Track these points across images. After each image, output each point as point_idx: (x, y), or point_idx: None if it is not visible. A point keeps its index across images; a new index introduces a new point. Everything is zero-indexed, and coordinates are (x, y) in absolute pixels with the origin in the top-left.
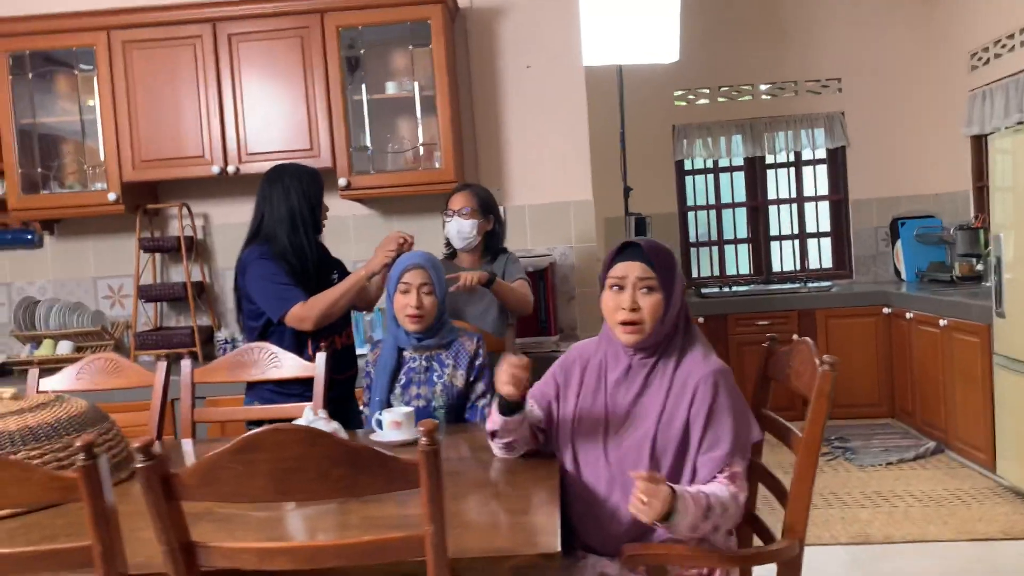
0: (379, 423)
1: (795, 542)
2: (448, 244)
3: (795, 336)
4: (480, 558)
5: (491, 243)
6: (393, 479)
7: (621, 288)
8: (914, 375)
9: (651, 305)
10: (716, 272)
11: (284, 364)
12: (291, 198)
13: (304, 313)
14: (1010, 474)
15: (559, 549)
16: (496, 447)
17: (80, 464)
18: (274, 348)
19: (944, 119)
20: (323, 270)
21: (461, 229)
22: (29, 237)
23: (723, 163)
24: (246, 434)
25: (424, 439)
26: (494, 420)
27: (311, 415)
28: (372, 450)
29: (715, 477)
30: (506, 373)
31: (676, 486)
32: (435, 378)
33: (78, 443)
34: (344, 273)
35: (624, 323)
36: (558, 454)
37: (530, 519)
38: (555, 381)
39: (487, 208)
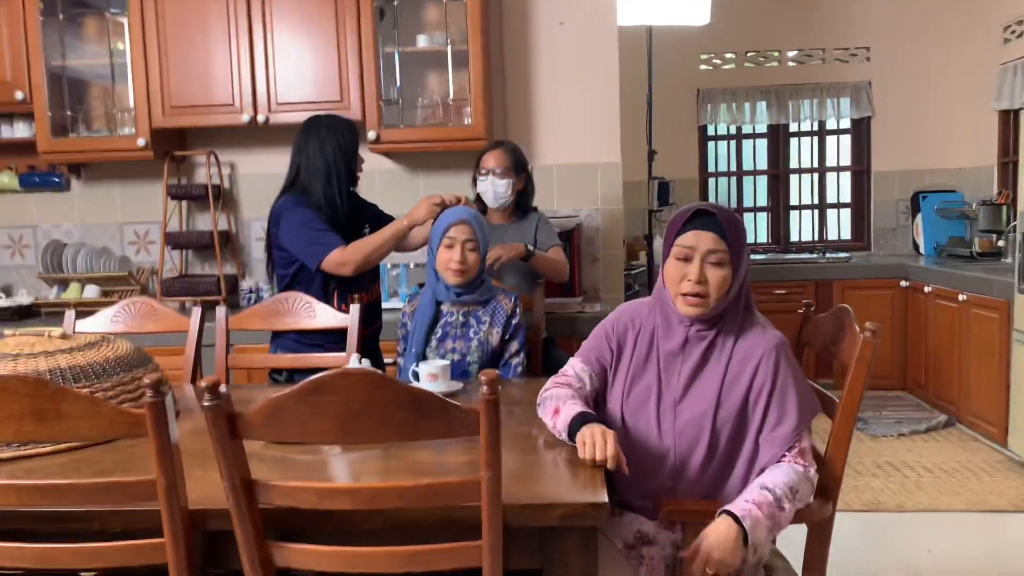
0: (415, 375)
1: (828, 504)
2: (479, 200)
3: (805, 302)
4: (530, 505)
5: (522, 201)
6: (454, 425)
7: (688, 259)
8: (928, 348)
9: (718, 279)
10: None
11: (318, 314)
12: (327, 150)
13: (344, 258)
14: (1022, 449)
15: (607, 500)
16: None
17: (149, 400)
18: (309, 298)
19: (973, 92)
20: (355, 222)
21: (496, 189)
22: (57, 180)
23: (746, 130)
24: (314, 376)
25: (486, 388)
26: (557, 431)
27: (357, 363)
28: (435, 396)
29: (783, 456)
30: (613, 451)
31: (733, 506)
32: (471, 334)
33: (146, 380)
34: (378, 221)
35: (687, 294)
36: (604, 414)
37: (576, 470)
38: (608, 345)
39: (520, 166)
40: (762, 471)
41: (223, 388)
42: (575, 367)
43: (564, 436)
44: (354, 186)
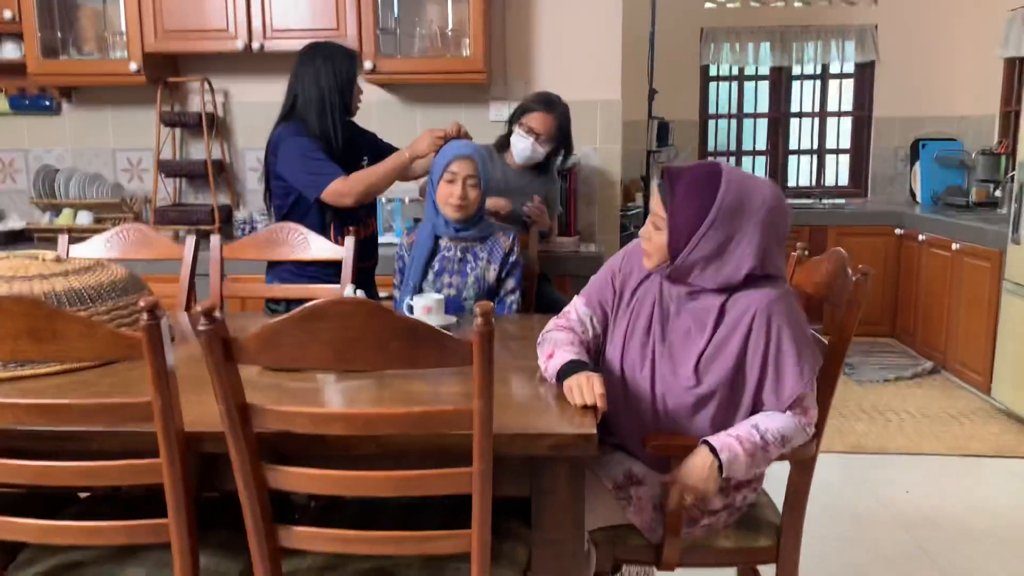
0: (410, 308)
1: (812, 444)
2: (501, 145)
3: (800, 246)
4: (520, 435)
5: (547, 162)
6: (447, 355)
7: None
8: (919, 296)
9: (657, 241)
10: None
11: (313, 246)
12: (321, 80)
13: (345, 188)
14: (1005, 397)
15: (595, 431)
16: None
17: (144, 323)
18: (304, 229)
19: (979, 39)
20: (352, 152)
21: (534, 154)
22: (47, 104)
23: (749, 71)
24: (310, 303)
25: (480, 320)
26: (548, 374)
27: (351, 293)
28: (429, 327)
29: (785, 411)
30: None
31: (715, 439)
32: (468, 269)
33: (141, 303)
34: (377, 151)
35: (643, 250)
36: (604, 359)
37: (566, 404)
38: (612, 285)
39: (563, 138)
40: None
41: (218, 314)
42: (578, 310)
43: (553, 380)
44: (350, 116)
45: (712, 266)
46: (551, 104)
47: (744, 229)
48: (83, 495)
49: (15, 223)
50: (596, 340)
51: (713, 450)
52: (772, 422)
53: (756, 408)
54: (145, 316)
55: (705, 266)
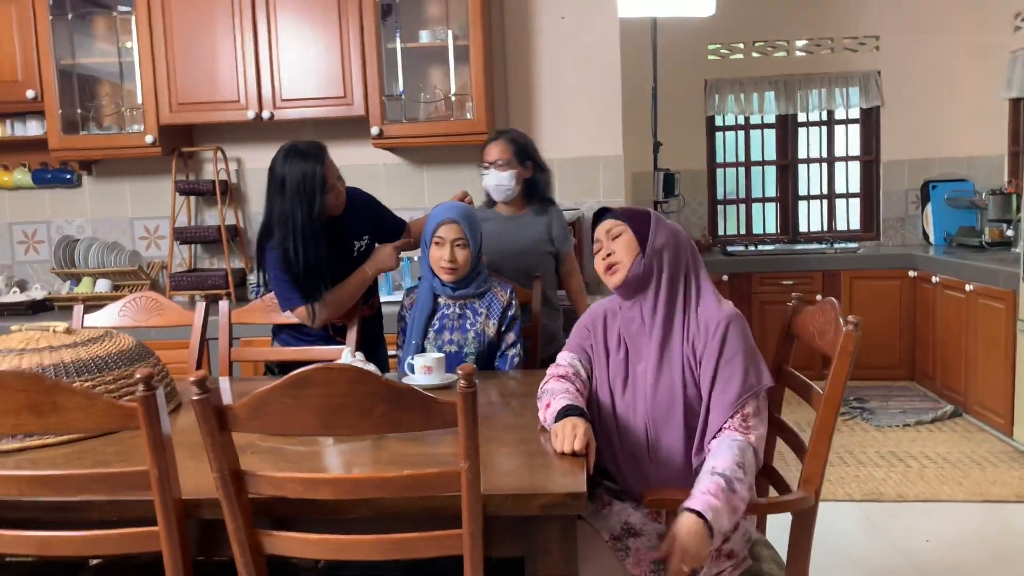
0: (411, 367)
1: (811, 494)
2: (488, 195)
3: (819, 296)
4: (511, 495)
5: (532, 191)
6: (432, 418)
7: (600, 247)
8: (936, 339)
9: (623, 245)
10: (743, 230)
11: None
12: (284, 202)
13: (309, 314)
14: None
15: (584, 489)
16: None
17: (140, 394)
18: None
19: (983, 81)
20: (343, 240)
21: (499, 182)
22: (68, 176)
23: (755, 120)
24: (297, 371)
25: (463, 382)
26: (547, 424)
27: (350, 357)
28: (413, 390)
29: (727, 422)
30: (580, 443)
31: (693, 502)
32: (468, 325)
33: (137, 375)
34: (379, 227)
35: (606, 270)
36: (593, 402)
37: (558, 461)
38: (587, 332)
39: (524, 155)
40: (714, 438)
41: (220, 381)
42: (566, 356)
43: (550, 428)
44: (326, 216)
45: (669, 257)
46: (497, 132)
47: (674, 231)
48: (94, 562)
49: (36, 293)
50: (588, 384)
51: (697, 514)
52: (722, 458)
53: (707, 414)
54: (141, 387)
55: (665, 254)
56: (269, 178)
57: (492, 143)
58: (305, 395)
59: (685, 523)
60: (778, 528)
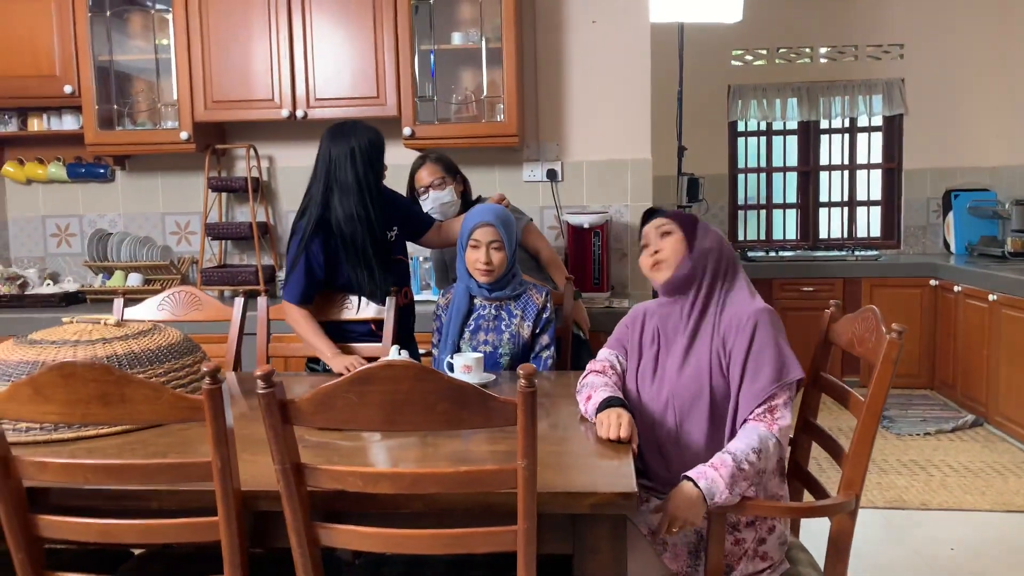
0: (450, 366)
1: (852, 498)
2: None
3: (832, 302)
4: (562, 493)
5: (467, 200)
6: (492, 416)
7: (647, 243)
8: (957, 348)
9: (671, 244)
10: (763, 236)
11: (355, 307)
12: (356, 168)
13: (289, 315)
14: None
15: (635, 489)
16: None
17: (207, 387)
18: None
19: (1008, 90)
20: (382, 225)
21: (442, 200)
22: (102, 171)
23: (776, 126)
24: (362, 367)
25: (523, 381)
26: (588, 415)
27: (396, 354)
28: (475, 388)
29: (752, 412)
30: (626, 431)
31: (692, 471)
32: (503, 327)
33: (204, 368)
34: (408, 222)
35: (651, 266)
36: (627, 394)
37: (605, 461)
38: (627, 329)
39: (452, 169)
40: (740, 427)
41: (276, 377)
42: (604, 353)
43: (592, 419)
44: (377, 203)
45: (714, 259)
46: (421, 158)
47: (719, 234)
48: (136, 552)
49: (70, 285)
50: (623, 378)
51: (693, 482)
52: (739, 442)
53: (736, 410)
54: (207, 380)
55: (711, 257)
56: (330, 151)
57: (419, 169)
58: (369, 391)
59: (683, 489)
60: (810, 532)
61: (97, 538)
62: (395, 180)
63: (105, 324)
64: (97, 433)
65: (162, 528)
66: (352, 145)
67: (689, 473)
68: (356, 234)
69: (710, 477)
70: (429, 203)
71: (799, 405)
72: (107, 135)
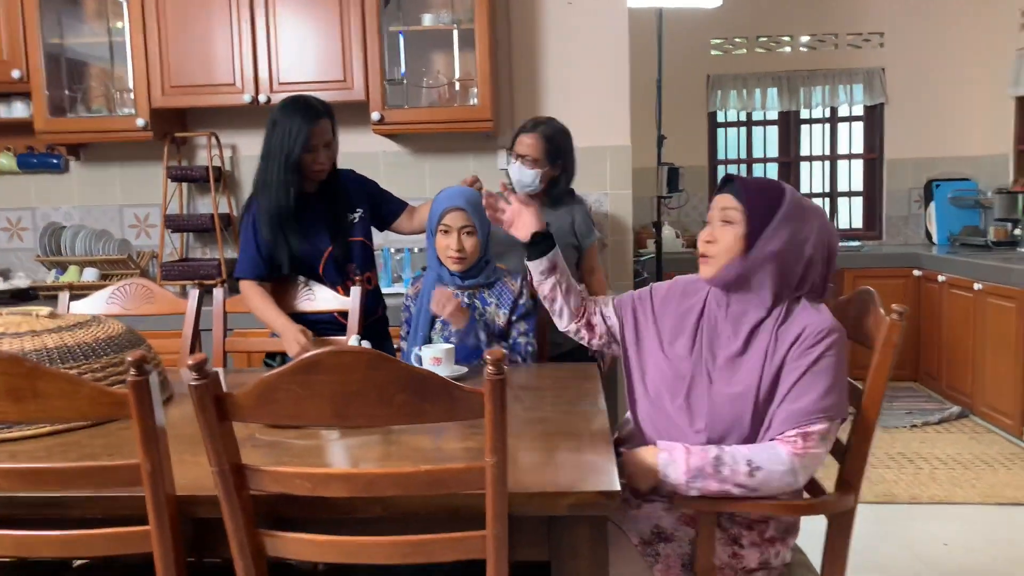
0: (419, 358)
1: (851, 495)
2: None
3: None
4: (537, 493)
5: (553, 190)
6: (457, 408)
7: (709, 221)
8: (942, 339)
9: (727, 238)
10: None
11: (318, 297)
12: (271, 140)
13: (243, 294)
14: None
15: (618, 487)
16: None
17: (131, 379)
18: (309, 281)
19: (989, 79)
20: (338, 207)
21: (522, 178)
22: (55, 161)
23: (757, 116)
24: (306, 354)
25: (491, 368)
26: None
27: (356, 343)
28: (438, 377)
29: (783, 432)
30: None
31: (665, 442)
32: (476, 315)
33: (128, 358)
34: (375, 202)
35: (700, 256)
36: (632, 379)
37: (586, 457)
38: (651, 298)
39: (556, 154)
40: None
41: (210, 367)
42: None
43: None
44: (307, 179)
45: (776, 267)
46: (535, 124)
47: (806, 232)
48: (78, 563)
49: (21, 282)
50: (601, 329)
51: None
52: (743, 447)
53: (768, 427)
54: (132, 371)
55: (772, 264)
56: (267, 131)
57: (526, 134)
58: (316, 382)
59: (644, 450)
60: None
61: (12, 552)
62: (364, 167)
63: (36, 316)
64: (22, 435)
65: (86, 539)
66: (275, 117)
67: (660, 441)
68: (270, 202)
69: (676, 455)
70: (512, 170)
71: None
72: (59, 122)
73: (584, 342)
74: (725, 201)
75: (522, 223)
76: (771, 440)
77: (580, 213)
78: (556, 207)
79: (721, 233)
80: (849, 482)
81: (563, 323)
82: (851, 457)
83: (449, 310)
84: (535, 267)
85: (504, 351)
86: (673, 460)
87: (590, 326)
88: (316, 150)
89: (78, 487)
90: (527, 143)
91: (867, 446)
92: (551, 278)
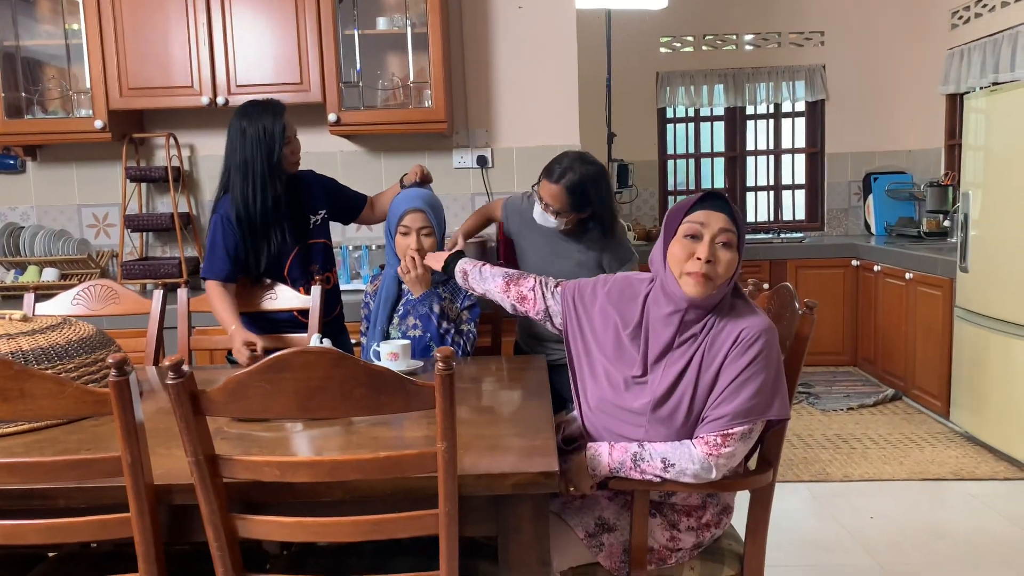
0: (376, 354)
1: (769, 471)
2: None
3: (765, 285)
4: (484, 475)
5: (584, 233)
6: (411, 400)
7: (697, 237)
8: (878, 325)
9: (727, 261)
10: None
11: (280, 296)
12: (244, 150)
13: (208, 294)
14: (962, 421)
15: (556, 468)
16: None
17: (113, 379)
18: (270, 281)
19: (922, 77)
20: (300, 207)
21: (547, 221)
22: (11, 162)
23: (704, 112)
24: (274, 354)
25: (441, 364)
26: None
27: (318, 343)
28: (392, 372)
29: (703, 432)
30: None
31: (593, 444)
32: (432, 306)
33: (110, 360)
34: (336, 201)
35: (694, 273)
36: (577, 371)
37: (529, 442)
38: (595, 291)
39: (582, 204)
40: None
41: (186, 367)
42: (548, 281)
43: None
44: (284, 173)
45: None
46: (561, 173)
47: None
48: (52, 553)
49: None
50: (540, 306)
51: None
52: (661, 445)
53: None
54: (114, 372)
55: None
56: (229, 132)
57: (552, 183)
58: (283, 379)
59: (579, 455)
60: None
61: (2, 540)
62: (323, 166)
63: (11, 319)
64: (3, 432)
65: (70, 527)
66: (243, 126)
67: (589, 444)
68: (250, 217)
69: (600, 453)
70: (536, 211)
71: None
72: (15, 124)
73: (528, 315)
74: (723, 223)
75: (434, 262)
76: (693, 439)
77: (611, 252)
78: (588, 247)
79: (722, 254)
80: (767, 459)
81: (507, 307)
82: (769, 438)
83: (414, 275)
84: (458, 280)
85: (452, 349)
86: (598, 455)
87: (522, 298)
88: (291, 141)
89: (64, 479)
90: (550, 192)
91: (783, 425)
92: (467, 282)
